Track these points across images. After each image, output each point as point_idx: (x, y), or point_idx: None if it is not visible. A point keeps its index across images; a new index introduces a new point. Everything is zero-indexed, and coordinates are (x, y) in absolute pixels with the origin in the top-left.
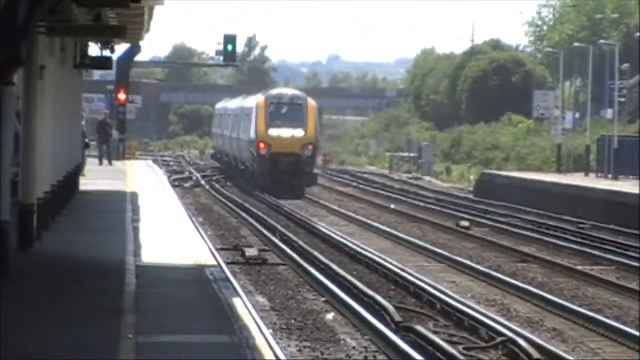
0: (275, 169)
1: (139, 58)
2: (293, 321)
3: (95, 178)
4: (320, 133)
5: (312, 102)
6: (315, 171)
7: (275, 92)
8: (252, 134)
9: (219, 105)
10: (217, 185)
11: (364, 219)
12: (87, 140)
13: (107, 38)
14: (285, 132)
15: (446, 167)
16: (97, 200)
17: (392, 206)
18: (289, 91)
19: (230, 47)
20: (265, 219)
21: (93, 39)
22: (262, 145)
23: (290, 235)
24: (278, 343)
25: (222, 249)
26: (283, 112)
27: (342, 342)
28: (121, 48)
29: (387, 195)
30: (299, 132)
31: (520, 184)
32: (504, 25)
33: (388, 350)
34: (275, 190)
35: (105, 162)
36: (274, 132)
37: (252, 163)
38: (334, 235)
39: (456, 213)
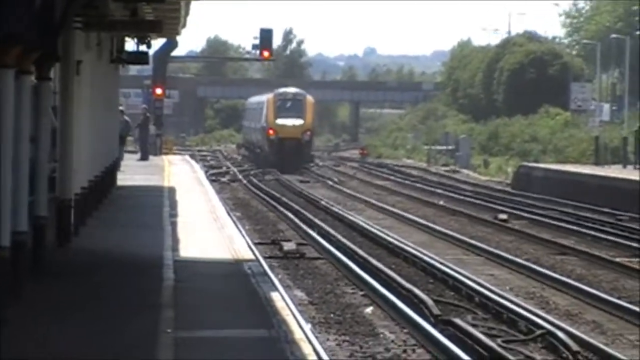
0: (281, 150)
1: (175, 53)
2: (331, 315)
3: (133, 173)
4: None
5: (309, 98)
6: (353, 164)
7: (281, 90)
8: (264, 123)
9: (247, 101)
10: (254, 180)
11: (402, 212)
12: (124, 135)
13: (144, 33)
14: (289, 122)
15: (483, 160)
16: (134, 195)
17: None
18: (292, 89)
19: (266, 41)
20: (303, 213)
21: (129, 34)
22: (271, 132)
23: (328, 229)
24: (316, 337)
25: (259, 243)
26: (287, 106)
27: (381, 335)
28: (157, 43)
29: (424, 188)
30: (298, 122)
31: (557, 176)
32: (540, 17)
33: (427, 344)
34: (281, 165)
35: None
36: (280, 121)
37: (264, 145)
38: (371, 229)
39: (494, 206)
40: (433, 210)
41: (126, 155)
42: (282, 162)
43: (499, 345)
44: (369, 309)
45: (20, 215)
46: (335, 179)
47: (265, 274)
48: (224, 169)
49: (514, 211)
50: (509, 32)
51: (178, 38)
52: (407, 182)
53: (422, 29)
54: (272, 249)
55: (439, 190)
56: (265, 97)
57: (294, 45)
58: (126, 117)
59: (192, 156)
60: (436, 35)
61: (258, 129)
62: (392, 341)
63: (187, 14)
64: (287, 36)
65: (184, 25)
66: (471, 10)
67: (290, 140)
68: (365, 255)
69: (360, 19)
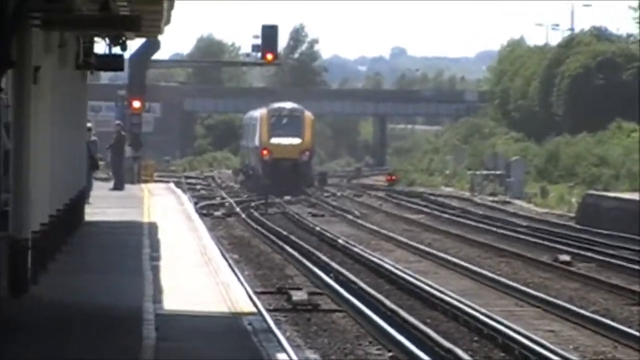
0: (276, 172)
1: (157, 56)
2: None
3: (104, 206)
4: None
5: (308, 114)
6: (379, 193)
7: (276, 105)
8: (257, 142)
9: (245, 116)
10: (255, 213)
11: (440, 253)
12: (96, 158)
13: (117, 31)
14: (285, 140)
15: (541, 188)
16: (106, 233)
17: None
18: (288, 104)
19: (270, 41)
20: (317, 255)
21: (99, 33)
22: (264, 152)
23: (348, 275)
24: None
25: (262, 293)
26: (283, 122)
27: None
28: (135, 44)
29: (467, 223)
30: (296, 140)
31: (632, 207)
32: (611, 10)
33: None
34: (276, 190)
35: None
36: (275, 140)
37: (257, 166)
38: (402, 274)
39: (554, 245)
40: (478, 250)
41: (96, 184)
42: (277, 186)
43: None
44: None
45: None
46: (357, 212)
47: (270, 330)
48: (218, 200)
49: (579, 251)
50: (572, 29)
51: (160, 38)
52: (445, 215)
53: (463, 26)
54: (278, 299)
55: (485, 226)
56: (259, 113)
57: (304, 46)
58: (94, 137)
59: (178, 184)
60: (481, 33)
61: (251, 148)
62: None
63: (171, 7)
64: (297, 35)
65: (167, 22)
66: (523, 3)
67: (287, 161)
68: (394, 307)
69: (386, 14)
